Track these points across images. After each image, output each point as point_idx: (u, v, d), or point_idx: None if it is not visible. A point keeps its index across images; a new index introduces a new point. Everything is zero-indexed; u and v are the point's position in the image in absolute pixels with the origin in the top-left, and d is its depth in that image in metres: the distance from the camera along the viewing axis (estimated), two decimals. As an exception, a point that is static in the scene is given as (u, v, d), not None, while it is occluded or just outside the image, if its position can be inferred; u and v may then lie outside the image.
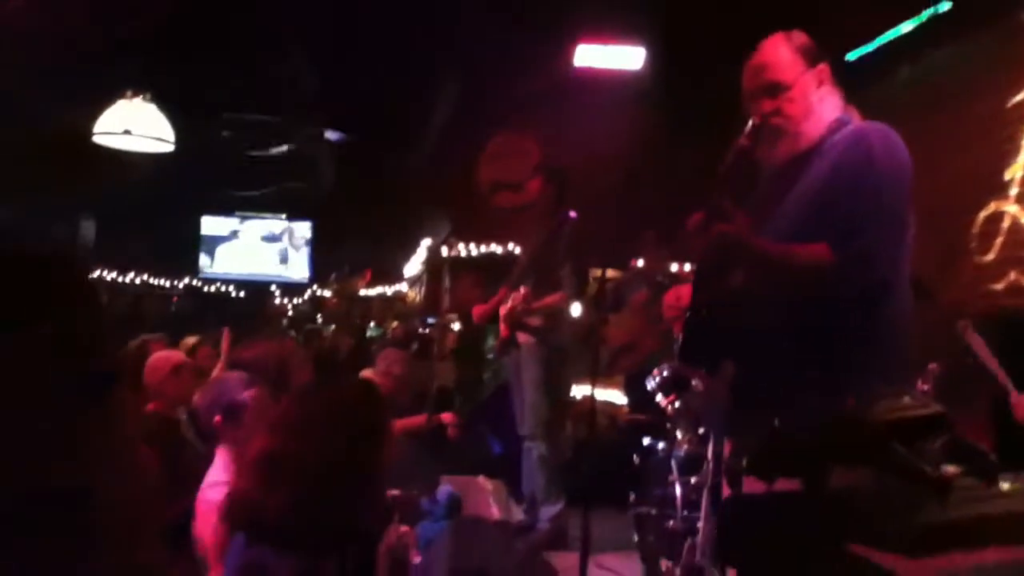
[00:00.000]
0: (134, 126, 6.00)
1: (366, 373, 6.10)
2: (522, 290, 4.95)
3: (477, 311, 5.24)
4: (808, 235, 2.11)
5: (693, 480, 4.33)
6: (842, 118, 2.35)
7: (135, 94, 6.07)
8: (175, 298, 12.41)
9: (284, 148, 9.35)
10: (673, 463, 4.39)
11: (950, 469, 1.51)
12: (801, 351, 1.94)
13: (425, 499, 3.98)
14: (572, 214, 4.88)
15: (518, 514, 5.38)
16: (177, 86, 7.12)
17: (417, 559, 3.26)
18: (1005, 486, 1.63)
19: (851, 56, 5.74)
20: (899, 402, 1.65)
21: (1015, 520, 1.30)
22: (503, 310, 4.96)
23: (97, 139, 6.10)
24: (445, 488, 4.26)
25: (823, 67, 2.36)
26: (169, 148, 6.35)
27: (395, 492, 5.05)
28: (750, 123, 2.29)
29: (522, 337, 4.95)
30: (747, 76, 2.39)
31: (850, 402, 1.72)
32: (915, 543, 1.14)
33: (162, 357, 4.61)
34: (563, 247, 4.83)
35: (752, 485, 1.87)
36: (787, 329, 1.97)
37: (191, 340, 5.47)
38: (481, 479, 5.68)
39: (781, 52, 2.35)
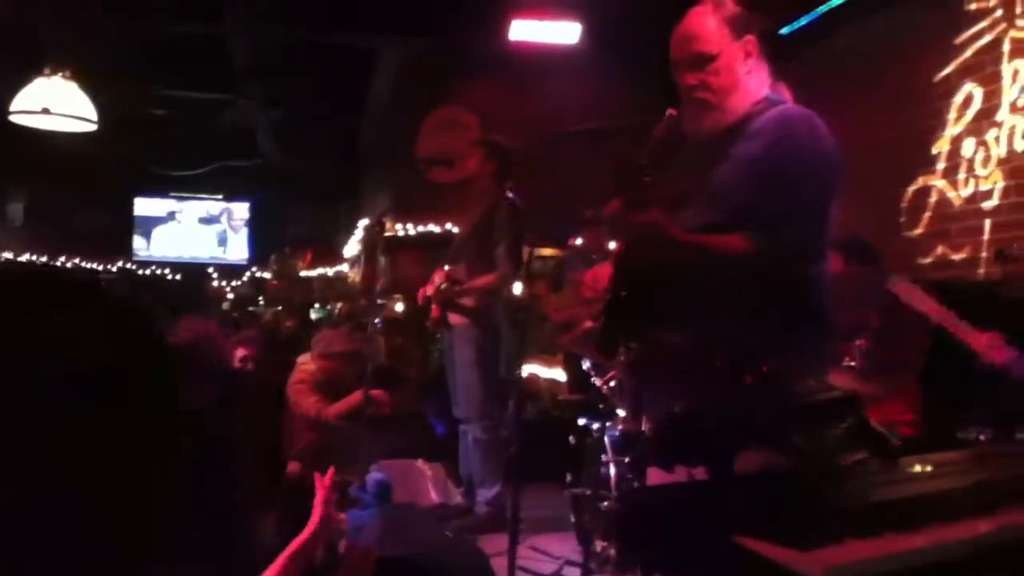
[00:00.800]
0: (53, 104, 5.75)
1: (303, 356, 5.99)
2: (446, 269, 4.89)
3: (421, 293, 5.14)
4: (728, 221, 2.05)
5: (627, 459, 4.32)
6: (771, 97, 2.28)
7: (54, 71, 5.81)
8: (103, 282, 12.08)
9: (221, 124, 9.11)
10: (607, 442, 4.38)
11: (856, 455, 1.49)
12: (709, 333, 1.90)
13: (355, 486, 3.91)
14: (509, 193, 4.80)
15: (458, 497, 5.34)
16: (101, 60, 6.87)
17: (343, 548, 3.20)
18: (916, 468, 1.60)
19: (786, 29, 5.73)
20: (802, 386, 1.62)
21: (913, 505, 1.27)
22: (431, 289, 4.88)
23: (14, 119, 5.83)
24: (375, 475, 4.19)
25: (751, 38, 2.27)
26: (91, 128, 6.10)
27: (336, 477, 4.98)
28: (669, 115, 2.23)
29: (454, 318, 4.89)
30: (673, 46, 2.30)
31: (749, 383, 1.68)
32: (808, 533, 1.10)
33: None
34: (500, 225, 4.74)
35: (655, 474, 1.85)
36: (697, 313, 1.92)
37: None
38: (419, 463, 5.62)
39: (707, 22, 2.26)
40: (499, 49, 6.55)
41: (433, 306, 4.95)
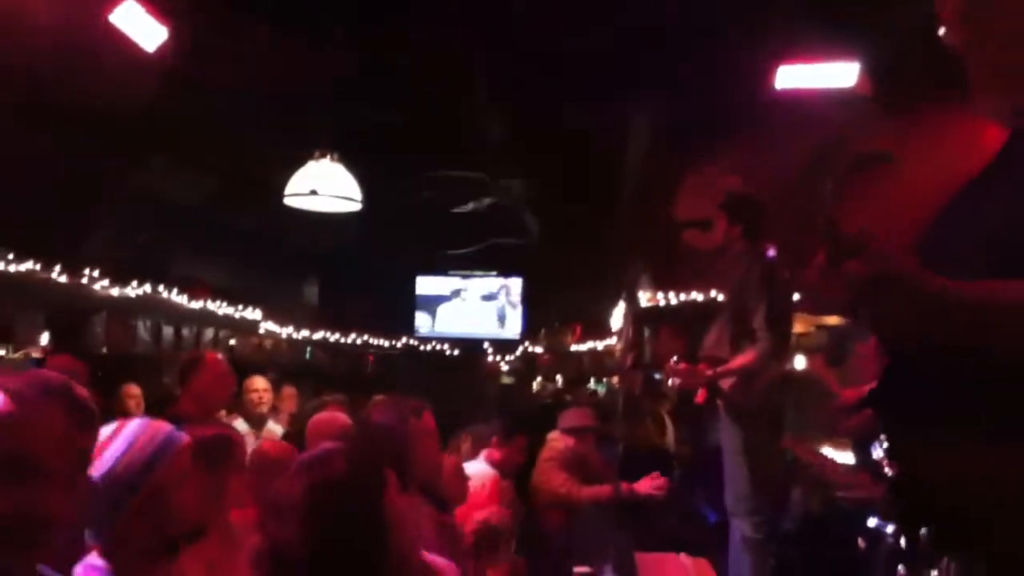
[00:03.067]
0: (320, 186, 6.02)
1: (554, 433, 5.69)
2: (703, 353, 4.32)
3: (700, 398, 4.59)
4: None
5: (934, 573, 3.49)
6: None
7: (322, 155, 6.10)
8: (370, 357, 12.71)
9: (485, 203, 9.26)
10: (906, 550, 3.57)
11: None
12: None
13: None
14: (771, 251, 4.16)
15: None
16: (372, 148, 7.18)
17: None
18: None
19: None
20: None
21: None
22: (682, 372, 4.34)
23: (288, 201, 6.18)
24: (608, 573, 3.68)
25: None
26: (356, 207, 6.33)
27: (582, 569, 4.52)
28: None
29: (719, 400, 4.30)
30: None
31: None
32: None
33: (326, 421, 4.42)
34: (755, 292, 4.08)
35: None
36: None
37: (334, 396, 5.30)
38: (682, 557, 4.99)
39: None
40: (763, 100, 5.97)
41: (700, 391, 4.43)
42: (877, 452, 3.85)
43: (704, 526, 6.53)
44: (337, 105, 6.42)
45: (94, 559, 1.83)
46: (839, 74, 5.78)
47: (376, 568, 1.63)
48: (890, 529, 4.06)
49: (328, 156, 6.12)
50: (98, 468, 1.78)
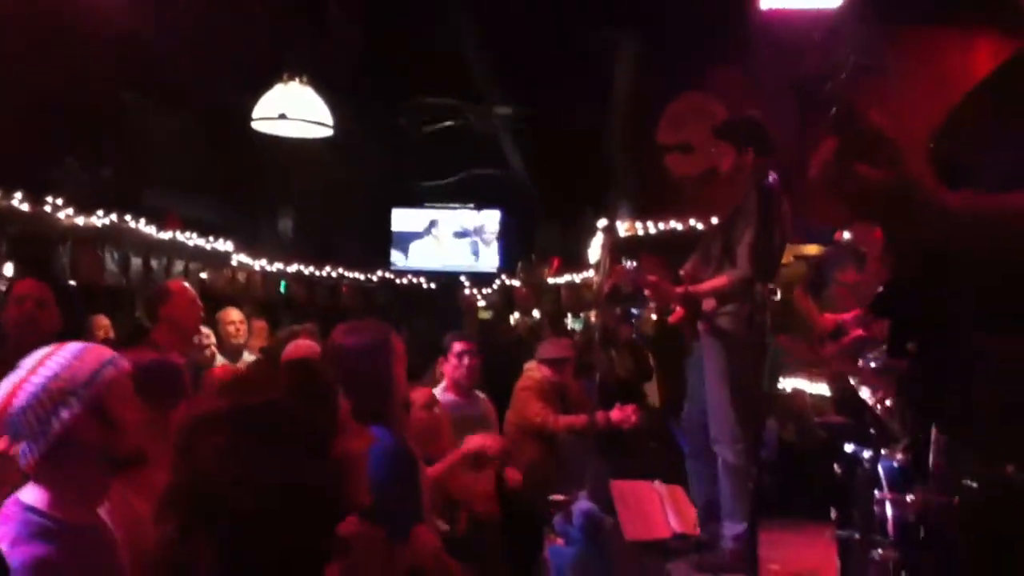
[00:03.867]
0: (289, 109, 5.81)
1: (530, 363, 5.65)
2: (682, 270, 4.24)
3: (675, 317, 4.50)
4: None
5: (910, 499, 3.48)
6: None
7: (291, 77, 5.88)
8: (344, 288, 12.59)
9: (459, 122, 9.04)
10: (883, 476, 3.55)
11: None
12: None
13: (559, 517, 3.38)
14: (772, 177, 4.03)
15: (699, 528, 4.68)
16: (344, 73, 6.96)
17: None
18: None
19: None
20: None
21: None
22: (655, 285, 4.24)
23: (255, 125, 5.98)
24: (583, 504, 3.63)
25: None
26: (327, 132, 6.13)
27: (558, 497, 4.49)
28: None
29: (702, 325, 4.22)
30: None
31: None
32: None
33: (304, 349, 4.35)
34: (747, 216, 3.94)
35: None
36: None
37: (308, 325, 5.22)
38: (656, 484, 4.98)
39: None
40: (748, 24, 5.80)
41: (677, 309, 4.35)
42: (854, 380, 3.82)
43: (679, 455, 6.57)
44: (308, 27, 6.19)
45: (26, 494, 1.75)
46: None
47: (310, 508, 1.34)
48: (866, 455, 4.06)
49: (297, 79, 5.90)
50: (41, 374, 1.74)
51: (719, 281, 3.96)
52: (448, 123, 9.51)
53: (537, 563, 4.03)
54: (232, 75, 7.11)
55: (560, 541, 3.63)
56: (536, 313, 13.33)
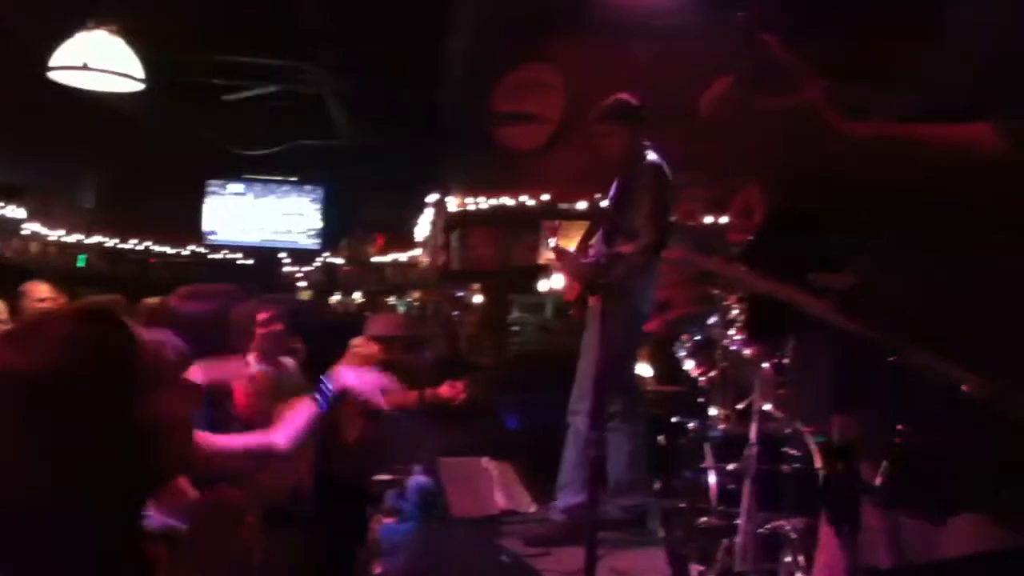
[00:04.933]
0: (94, 59, 5.26)
1: (357, 339, 5.46)
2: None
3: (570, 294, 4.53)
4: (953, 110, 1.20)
5: (731, 467, 3.60)
6: None
7: (97, 24, 5.33)
8: (151, 260, 11.84)
9: (282, 87, 8.60)
10: (707, 446, 3.66)
11: None
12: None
13: (393, 492, 3.26)
14: (651, 155, 4.21)
15: (531, 504, 4.67)
16: (158, 24, 6.42)
17: (378, 570, 2.56)
18: None
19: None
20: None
21: None
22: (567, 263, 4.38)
23: (53, 75, 5.38)
24: (418, 478, 3.53)
25: None
26: (138, 87, 5.61)
27: (384, 477, 4.32)
28: None
29: (593, 298, 4.21)
30: None
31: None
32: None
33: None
34: (641, 191, 4.14)
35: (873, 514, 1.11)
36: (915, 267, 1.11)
37: (151, 301, 4.80)
38: (485, 460, 4.94)
39: None
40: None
41: (573, 284, 4.42)
42: (681, 351, 3.89)
43: (504, 434, 6.58)
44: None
45: None
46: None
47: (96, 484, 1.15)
48: (691, 424, 4.18)
49: (104, 28, 5.36)
50: None
51: (626, 248, 4.04)
52: (271, 88, 9.03)
53: (365, 545, 3.88)
54: (33, 18, 6.41)
55: (391, 520, 3.49)
56: (357, 295, 13.02)
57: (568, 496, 4.21)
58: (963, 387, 0.96)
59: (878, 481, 1.09)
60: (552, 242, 4.50)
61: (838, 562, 1.23)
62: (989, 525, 1.03)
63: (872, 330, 1.06)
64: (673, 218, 4.36)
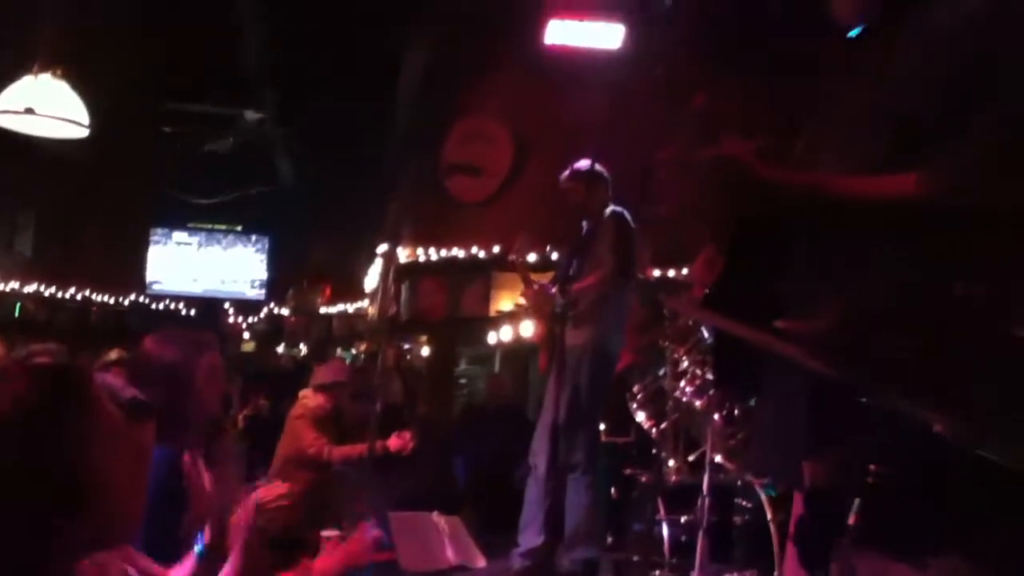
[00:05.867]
0: (39, 104, 5.17)
1: (305, 391, 5.37)
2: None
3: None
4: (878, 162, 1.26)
5: (684, 519, 3.60)
6: None
7: (43, 68, 5.24)
8: (94, 309, 11.54)
9: (232, 144, 8.55)
10: (659, 497, 3.66)
11: None
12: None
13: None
14: (611, 207, 4.30)
15: (480, 560, 4.60)
16: (102, 64, 6.36)
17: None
18: None
19: None
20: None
21: None
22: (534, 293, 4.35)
23: (-3, 120, 5.28)
24: (370, 530, 3.44)
25: None
26: (82, 132, 5.52)
27: (330, 532, 4.21)
28: None
29: (570, 339, 4.16)
30: None
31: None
32: None
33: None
34: (601, 233, 4.23)
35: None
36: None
37: (113, 354, 4.64)
38: (435, 515, 4.85)
39: None
40: (534, 53, 5.92)
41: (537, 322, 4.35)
42: (632, 403, 3.87)
43: (456, 484, 6.50)
44: (66, 15, 5.58)
45: None
46: (605, 34, 5.86)
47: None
48: (643, 477, 4.17)
49: (50, 71, 5.28)
50: None
51: (590, 279, 4.07)
52: (219, 134, 8.97)
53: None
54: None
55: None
56: (303, 346, 12.83)
57: (530, 538, 4.13)
58: (935, 427, 0.98)
59: (851, 520, 1.10)
60: (512, 258, 4.48)
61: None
62: (967, 566, 1.03)
63: (843, 373, 1.07)
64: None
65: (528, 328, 5.52)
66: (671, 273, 6.41)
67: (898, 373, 1.06)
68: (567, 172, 4.44)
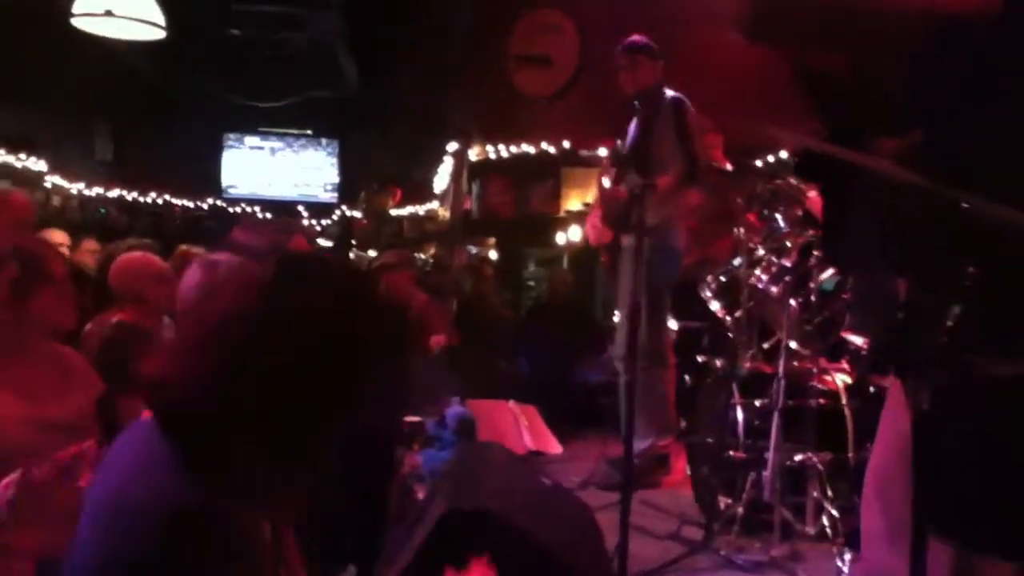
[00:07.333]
0: (116, 5, 5.26)
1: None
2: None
3: (593, 236, 4.51)
4: None
5: (758, 403, 3.65)
6: None
7: (119, -29, 5.31)
8: (176, 210, 11.85)
9: (300, 46, 8.53)
10: (734, 383, 3.70)
11: None
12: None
13: (432, 421, 3.32)
14: (669, 92, 4.22)
15: (557, 447, 4.74)
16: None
17: (421, 494, 2.62)
18: None
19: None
20: None
21: None
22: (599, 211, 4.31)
23: (75, 22, 5.39)
24: (456, 408, 3.58)
25: None
26: (160, 34, 5.62)
27: (413, 419, 4.40)
28: None
29: (626, 239, 4.20)
30: None
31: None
32: None
33: (140, 261, 3.97)
34: (661, 125, 4.17)
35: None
36: None
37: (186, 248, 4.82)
38: (510, 403, 4.99)
39: None
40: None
41: (602, 228, 4.37)
42: (706, 291, 3.89)
43: (520, 381, 6.61)
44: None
45: None
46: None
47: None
48: (718, 363, 4.22)
49: (127, -26, 5.35)
50: None
51: (663, 181, 4.02)
52: (286, 36, 8.95)
53: (396, 481, 3.96)
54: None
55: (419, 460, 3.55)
56: (372, 252, 12.96)
57: (639, 441, 4.19)
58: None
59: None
60: (606, 181, 4.44)
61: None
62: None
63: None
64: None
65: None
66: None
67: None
68: (618, 49, 4.33)
